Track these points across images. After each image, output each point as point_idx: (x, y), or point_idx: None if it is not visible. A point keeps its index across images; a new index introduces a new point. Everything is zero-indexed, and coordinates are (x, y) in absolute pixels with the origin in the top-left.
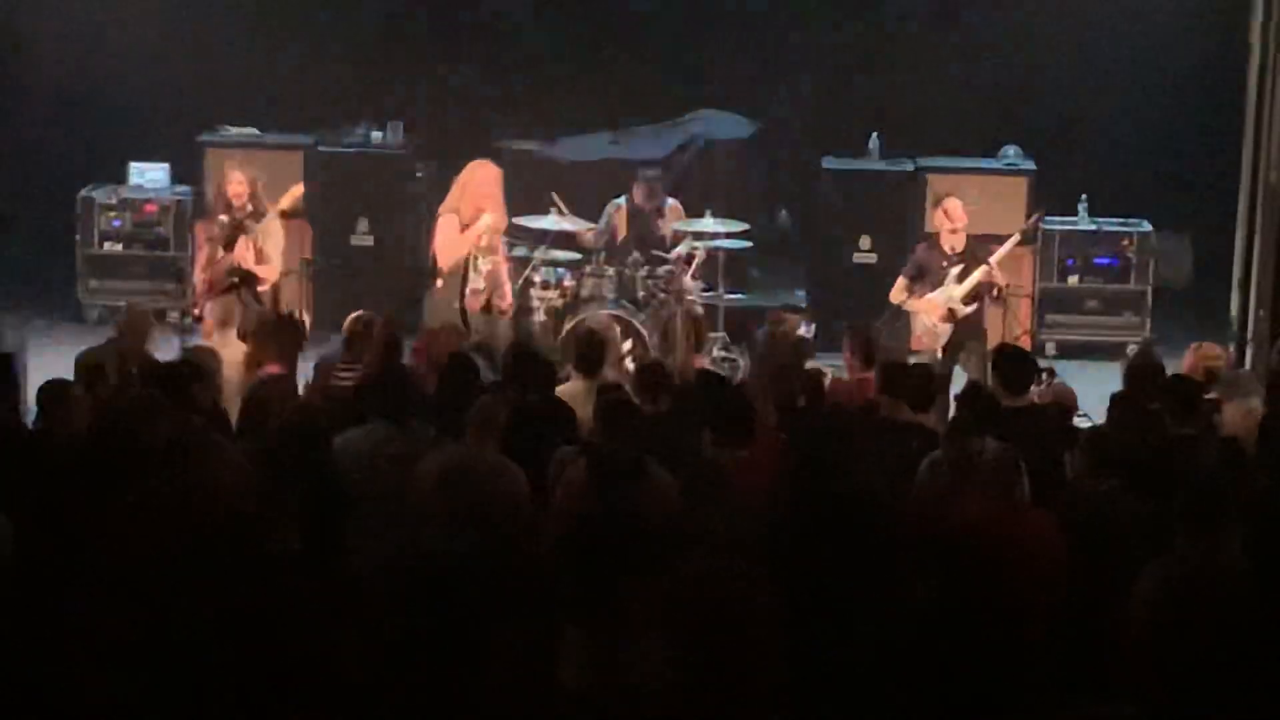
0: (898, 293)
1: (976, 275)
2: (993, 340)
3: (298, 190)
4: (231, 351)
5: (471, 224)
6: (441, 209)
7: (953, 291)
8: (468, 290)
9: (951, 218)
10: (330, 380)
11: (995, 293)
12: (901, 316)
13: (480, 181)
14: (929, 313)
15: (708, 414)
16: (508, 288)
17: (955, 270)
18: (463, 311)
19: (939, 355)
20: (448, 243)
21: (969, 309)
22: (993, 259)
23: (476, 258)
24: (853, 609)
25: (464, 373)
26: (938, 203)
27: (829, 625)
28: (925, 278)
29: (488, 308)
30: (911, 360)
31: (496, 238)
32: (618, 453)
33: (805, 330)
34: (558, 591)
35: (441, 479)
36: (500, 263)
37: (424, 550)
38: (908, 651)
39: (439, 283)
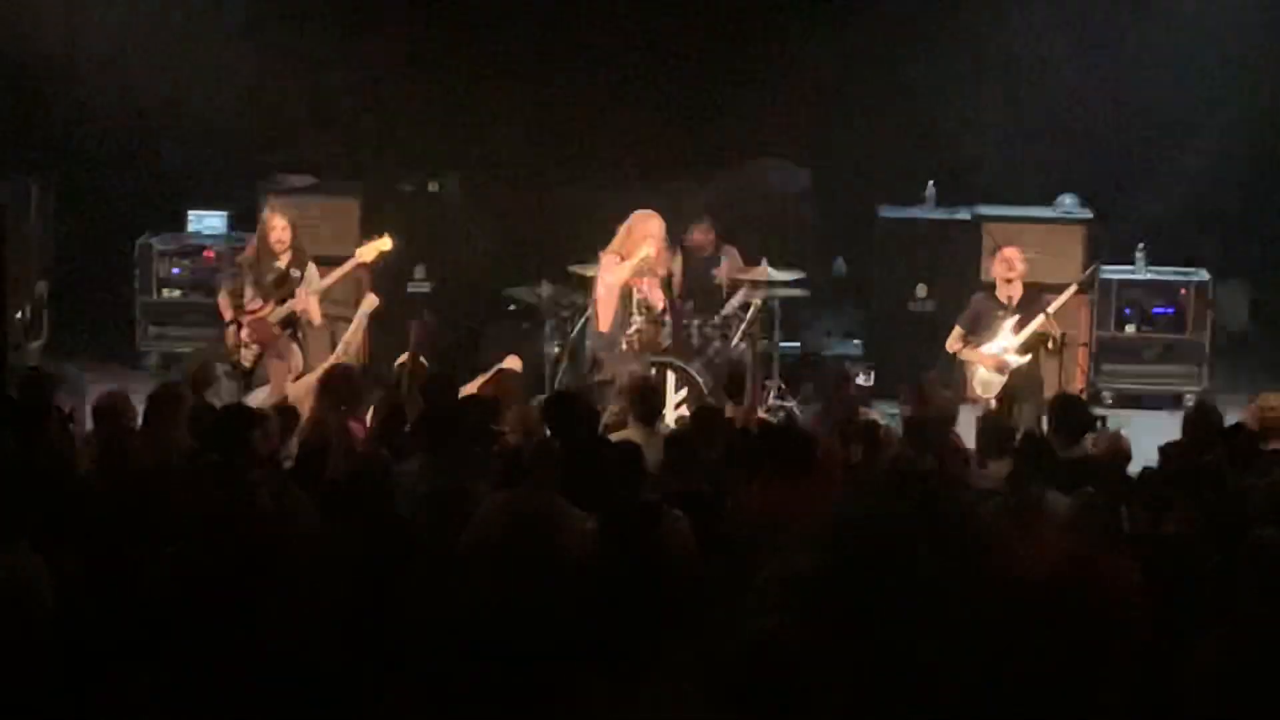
0: (953, 342)
1: (1033, 325)
2: (1050, 390)
3: (384, 244)
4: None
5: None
6: (604, 252)
7: (1008, 342)
8: (631, 330)
9: (1010, 266)
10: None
11: (1050, 343)
12: (957, 366)
13: (643, 225)
14: (984, 363)
15: (763, 454)
16: (661, 334)
17: (1012, 320)
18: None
19: (993, 405)
20: (608, 273)
21: (1024, 359)
22: (1049, 309)
23: (642, 304)
24: (923, 662)
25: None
26: (995, 251)
27: (895, 675)
28: (981, 327)
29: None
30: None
31: (656, 284)
32: (633, 504)
33: (864, 379)
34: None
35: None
36: (668, 309)
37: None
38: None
39: (601, 323)
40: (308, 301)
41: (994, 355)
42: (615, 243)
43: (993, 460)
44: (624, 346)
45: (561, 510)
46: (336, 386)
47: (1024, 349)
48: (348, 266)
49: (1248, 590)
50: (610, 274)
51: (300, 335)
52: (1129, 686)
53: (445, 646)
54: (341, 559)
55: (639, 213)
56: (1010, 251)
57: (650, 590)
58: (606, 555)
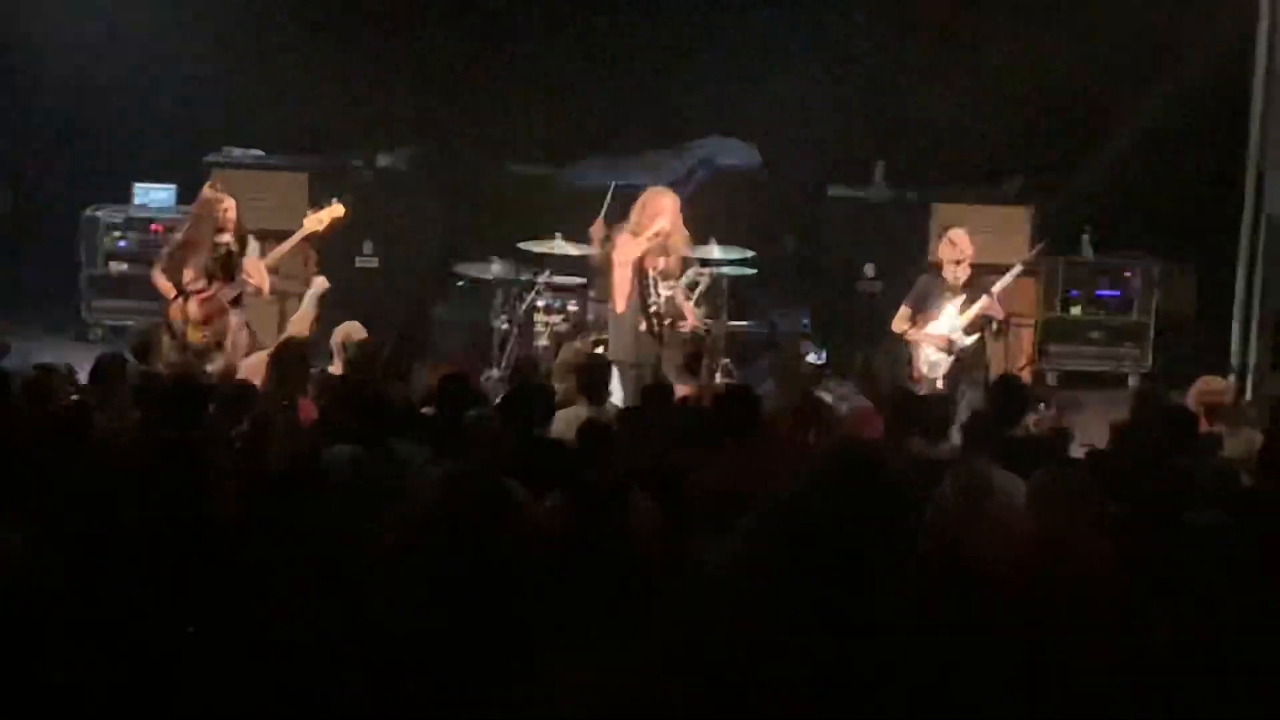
0: (900, 322)
1: (978, 306)
2: (996, 371)
3: (336, 210)
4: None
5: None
6: (619, 232)
7: (955, 322)
8: (651, 308)
9: (957, 248)
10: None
11: (995, 325)
12: (903, 346)
13: (657, 202)
14: (931, 343)
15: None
16: (689, 308)
17: (958, 301)
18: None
19: (939, 385)
20: (622, 250)
21: (970, 340)
22: (994, 290)
23: (656, 280)
24: (881, 642)
25: (458, 393)
26: (942, 233)
27: (851, 655)
28: (928, 308)
29: (660, 328)
30: (927, 391)
31: (676, 261)
32: (601, 482)
33: (815, 358)
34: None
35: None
36: (679, 288)
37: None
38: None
39: (618, 304)
40: (259, 278)
41: (941, 335)
42: (631, 221)
43: (920, 442)
44: (643, 327)
45: (507, 486)
46: (286, 364)
47: (970, 329)
48: (298, 236)
49: (1184, 571)
50: (623, 251)
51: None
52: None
53: (396, 629)
54: (277, 543)
55: (652, 189)
56: (957, 233)
57: (616, 568)
58: (573, 534)
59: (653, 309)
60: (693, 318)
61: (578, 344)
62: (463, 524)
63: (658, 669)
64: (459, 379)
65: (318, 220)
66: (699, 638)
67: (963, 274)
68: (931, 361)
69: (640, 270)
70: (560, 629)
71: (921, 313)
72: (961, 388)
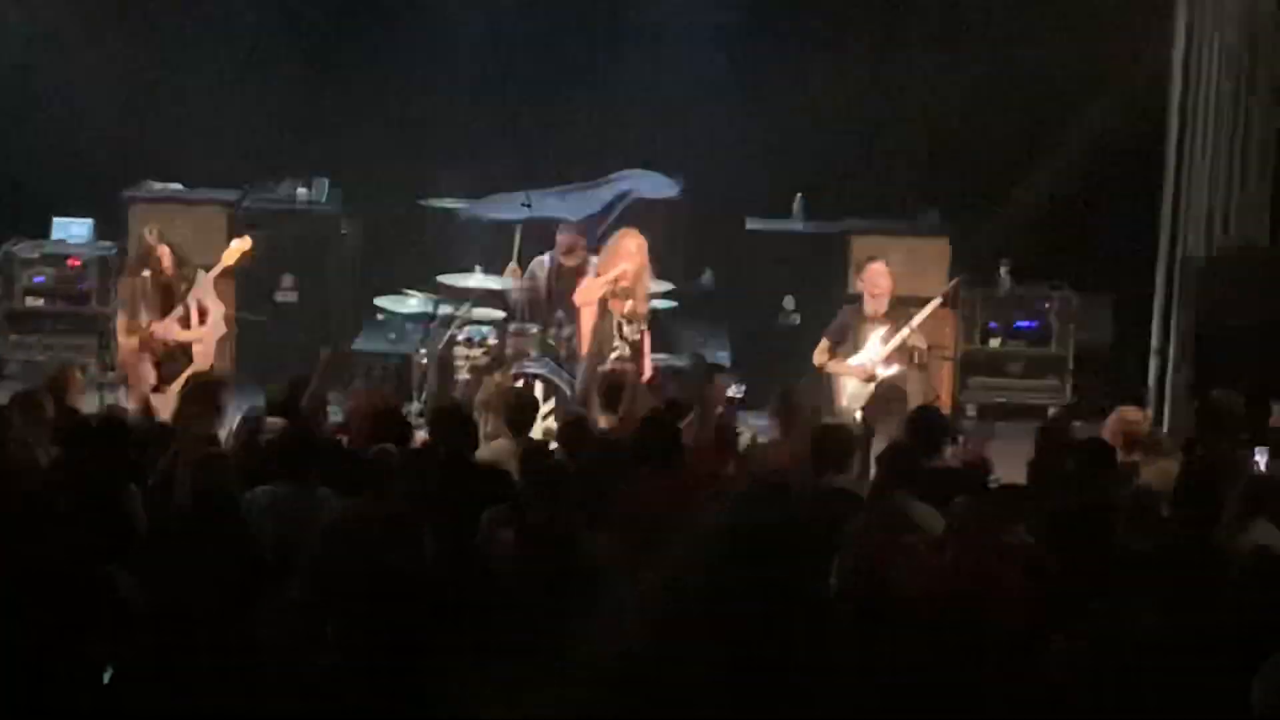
0: (820, 354)
1: (898, 338)
2: (915, 403)
3: (244, 244)
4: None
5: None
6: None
7: (875, 354)
8: (611, 357)
9: (875, 285)
10: (252, 437)
11: (915, 357)
12: (825, 379)
13: (622, 244)
14: (851, 375)
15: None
16: (647, 361)
17: (879, 332)
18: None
19: (859, 417)
20: (583, 290)
21: (890, 371)
22: (913, 323)
23: (621, 324)
24: (798, 676)
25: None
26: (861, 268)
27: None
28: (848, 340)
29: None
30: (833, 422)
31: (642, 306)
32: (551, 523)
33: (736, 390)
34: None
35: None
36: (645, 333)
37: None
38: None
39: (583, 347)
40: (204, 295)
41: (861, 367)
42: (600, 263)
43: (830, 473)
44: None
45: (406, 520)
46: (196, 399)
47: (890, 361)
48: (213, 273)
49: (1106, 595)
50: (582, 294)
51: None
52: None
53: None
54: (193, 579)
55: (620, 230)
56: (876, 267)
57: (559, 599)
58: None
59: (615, 353)
60: (649, 369)
61: (498, 377)
62: (370, 559)
63: (582, 699)
64: (388, 414)
65: (229, 255)
66: (622, 669)
67: (882, 306)
68: (851, 393)
69: (604, 313)
70: (482, 662)
71: (842, 345)
72: (881, 419)
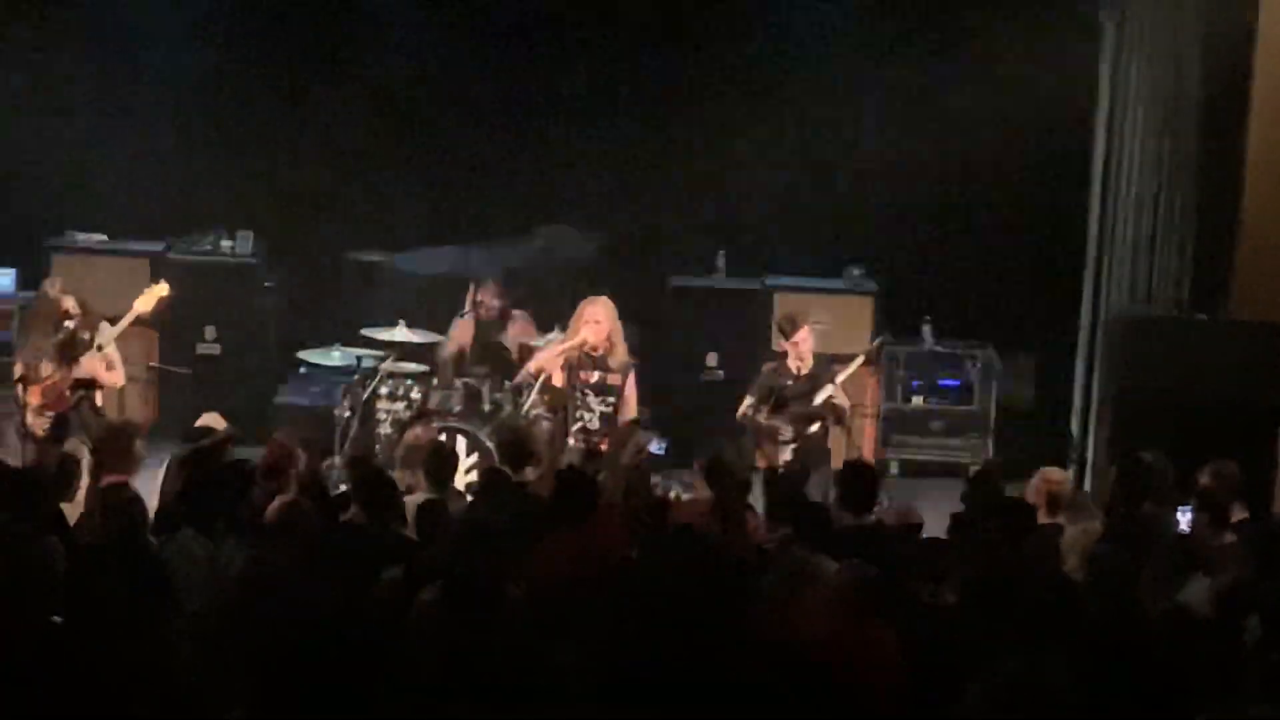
0: (744, 410)
1: (822, 395)
2: (836, 460)
3: (161, 289)
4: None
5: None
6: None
7: (796, 411)
8: (574, 428)
9: (799, 352)
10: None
11: (837, 416)
12: (747, 436)
13: (588, 311)
14: (772, 434)
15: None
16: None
17: (801, 389)
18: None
19: (783, 468)
20: (539, 357)
21: (812, 429)
22: (837, 380)
23: (587, 394)
24: None
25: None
26: (784, 329)
27: None
28: (771, 397)
29: (591, 445)
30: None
31: (616, 371)
32: (478, 580)
33: (655, 447)
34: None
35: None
36: (623, 400)
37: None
38: None
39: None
40: (95, 365)
41: (785, 424)
42: (569, 330)
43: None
44: (571, 442)
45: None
46: (113, 447)
47: (812, 418)
48: (128, 319)
49: (1021, 653)
50: (537, 361)
51: (86, 405)
52: None
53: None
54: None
55: (589, 298)
56: (803, 334)
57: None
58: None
59: (580, 424)
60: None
61: (419, 430)
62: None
63: None
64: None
65: (145, 301)
66: None
67: (805, 365)
68: (769, 452)
69: (571, 382)
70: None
71: (765, 401)
72: (806, 476)
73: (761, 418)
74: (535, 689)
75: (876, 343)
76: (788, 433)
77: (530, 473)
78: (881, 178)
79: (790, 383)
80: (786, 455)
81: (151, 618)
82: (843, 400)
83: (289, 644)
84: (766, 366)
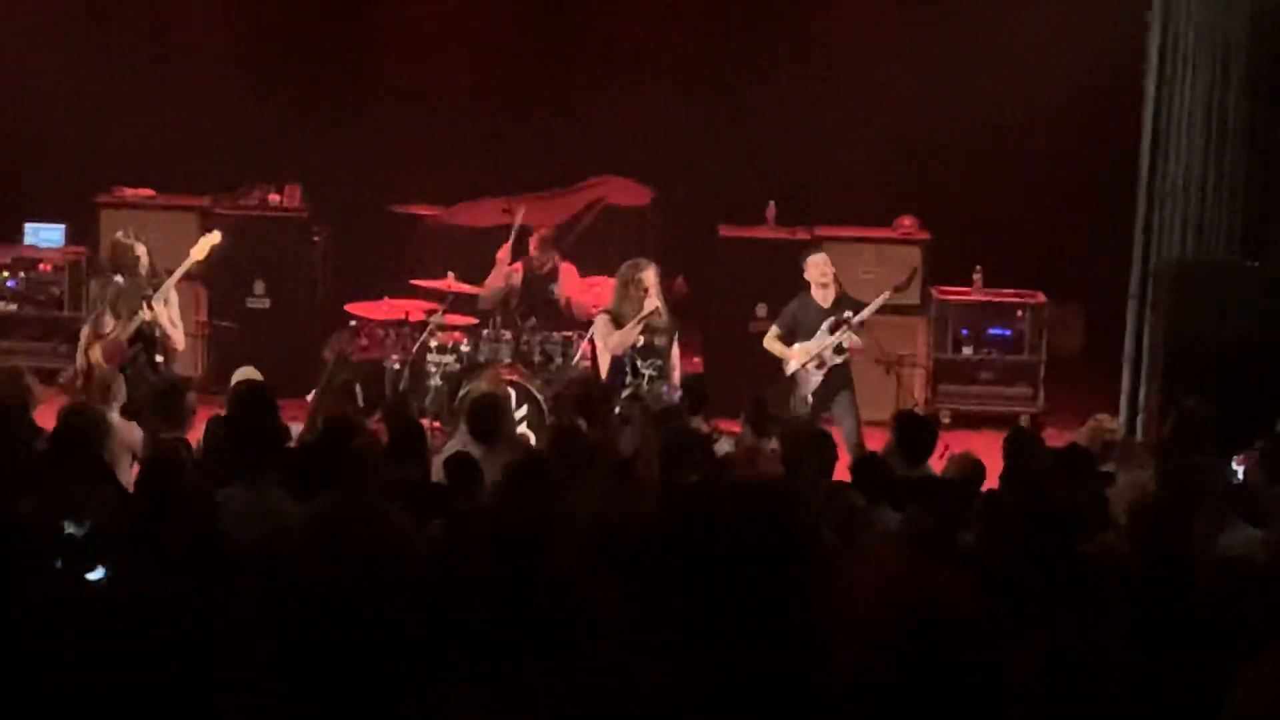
0: (770, 340)
1: (839, 334)
2: (887, 410)
3: (214, 237)
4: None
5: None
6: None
7: (825, 342)
8: (623, 394)
9: (821, 275)
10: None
11: (887, 369)
12: (791, 382)
13: (648, 278)
14: (800, 359)
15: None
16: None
17: (828, 322)
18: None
19: (809, 400)
20: (609, 336)
21: (839, 359)
22: (853, 320)
23: (636, 359)
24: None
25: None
26: (806, 259)
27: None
28: (799, 329)
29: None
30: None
31: (665, 332)
32: (526, 521)
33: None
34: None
35: (314, 525)
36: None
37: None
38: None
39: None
40: (156, 311)
41: (810, 353)
42: (612, 302)
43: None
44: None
45: (383, 514)
46: (166, 404)
47: (838, 351)
48: (183, 268)
49: (1066, 603)
50: (606, 339)
51: (144, 360)
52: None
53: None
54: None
55: (630, 264)
56: (815, 258)
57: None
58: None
59: (629, 391)
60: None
61: (487, 380)
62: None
63: (543, 709)
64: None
65: (199, 249)
66: (585, 678)
67: (828, 297)
68: (799, 379)
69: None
70: (447, 667)
71: (792, 333)
72: (833, 402)
73: (786, 347)
74: (576, 630)
75: (905, 278)
76: (815, 361)
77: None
78: (931, 126)
79: (817, 316)
80: (815, 383)
81: (208, 571)
82: (857, 342)
83: (349, 593)
84: (795, 300)
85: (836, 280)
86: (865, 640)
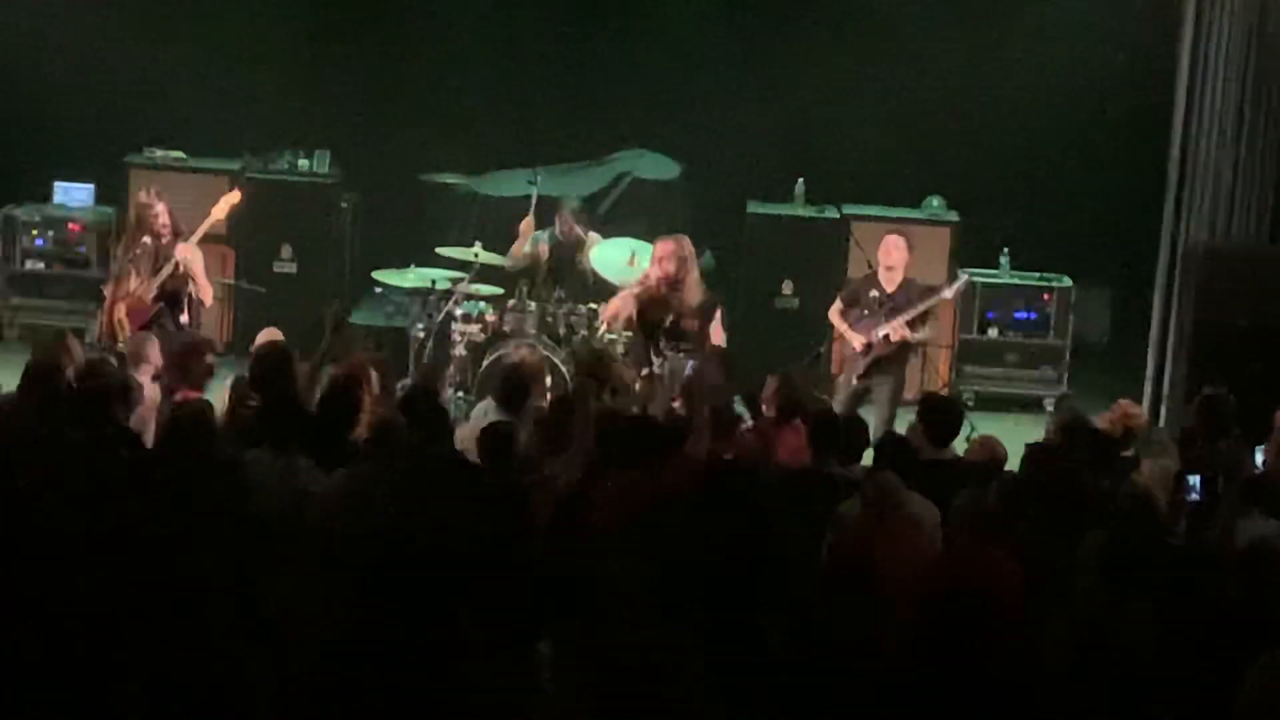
0: (834, 313)
1: (886, 328)
2: (912, 391)
3: (234, 197)
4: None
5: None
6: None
7: (877, 328)
8: (643, 371)
9: (889, 256)
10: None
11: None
12: (821, 359)
13: (655, 249)
14: (852, 340)
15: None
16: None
17: (885, 308)
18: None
19: (854, 382)
20: (613, 302)
21: (888, 350)
22: (896, 320)
23: (661, 338)
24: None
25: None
26: (881, 238)
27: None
28: (858, 306)
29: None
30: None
31: (690, 315)
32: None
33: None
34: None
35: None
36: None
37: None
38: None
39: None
40: (185, 259)
41: (860, 337)
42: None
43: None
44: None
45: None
46: (185, 362)
47: (887, 339)
48: (204, 226)
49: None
50: (611, 306)
51: (169, 319)
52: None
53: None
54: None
55: (660, 238)
56: (893, 239)
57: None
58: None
59: (652, 369)
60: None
61: (521, 350)
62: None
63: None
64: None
65: (219, 209)
66: (604, 650)
67: (892, 283)
68: (848, 358)
69: (647, 327)
70: (479, 634)
71: (853, 308)
72: (876, 387)
73: (846, 324)
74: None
75: (956, 287)
76: (863, 345)
77: (609, 398)
78: (961, 107)
79: (875, 295)
80: (860, 367)
81: (229, 530)
82: (896, 336)
83: (383, 560)
84: (861, 276)
85: (904, 266)
86: (902, 620)
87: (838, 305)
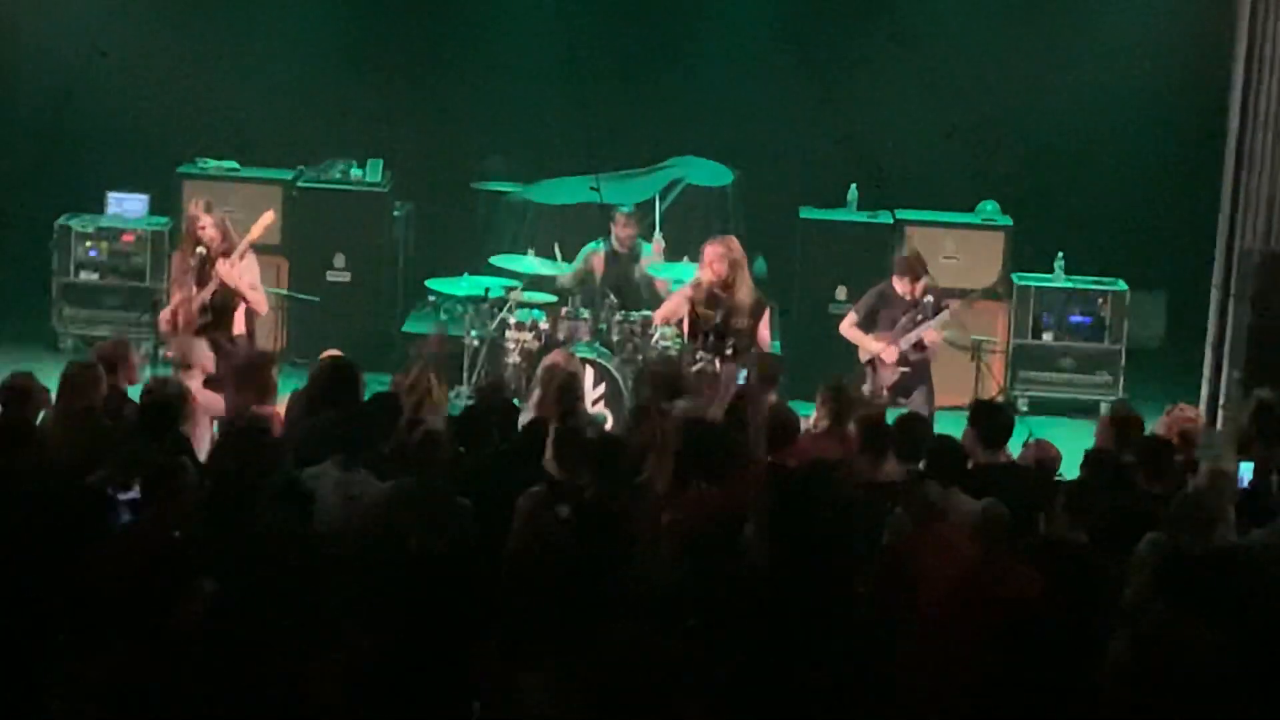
0: (846, 326)
1: (915, 334)
2: (966, 395)
3: (268, 218)
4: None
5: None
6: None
7: (906, 335)
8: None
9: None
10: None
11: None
12: (869, 368)
13: (708, 252)
14: (870, 349)
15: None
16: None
17: (908, 316)
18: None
19: (884, 393)
20: (665, 306)
21: (919, 356)
22: (912, 332)
23: (709, 336)
24: (829, 663)
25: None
26: (903, 272)
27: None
28: (879, 315)
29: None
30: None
31: (743, 315)
32: (604, 503)
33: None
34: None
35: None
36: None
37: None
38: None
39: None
40: (225, 274)
41: (884, 346)
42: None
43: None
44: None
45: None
46: (251, 377)
47: (919, 347)
48: (243, 245)
49: (1144, 593)
50: (663, 310)
51: (219, 331)
52: (1038, 689)
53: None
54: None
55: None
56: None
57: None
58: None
59: (696, 366)
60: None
61: (557, 356)
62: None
63: (609, 687)
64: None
65: (254, 230)
66: (646, 658)
67: (919, 289)
68: (879, 368)
69: (698, 326)
70: (519, 644)
71: (871, 321)
72: (910, 394)
73: (864, 335)
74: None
75: (969, 299)
76: (891, 356)
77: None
78: (1016, 112)
79: (900, 307)
80: (894, 377)
81: (296, 547)
82: (928, 341)
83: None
84: (877, 286)
85: (926, 274)
86: (944, 629)
87: (851, 317)
